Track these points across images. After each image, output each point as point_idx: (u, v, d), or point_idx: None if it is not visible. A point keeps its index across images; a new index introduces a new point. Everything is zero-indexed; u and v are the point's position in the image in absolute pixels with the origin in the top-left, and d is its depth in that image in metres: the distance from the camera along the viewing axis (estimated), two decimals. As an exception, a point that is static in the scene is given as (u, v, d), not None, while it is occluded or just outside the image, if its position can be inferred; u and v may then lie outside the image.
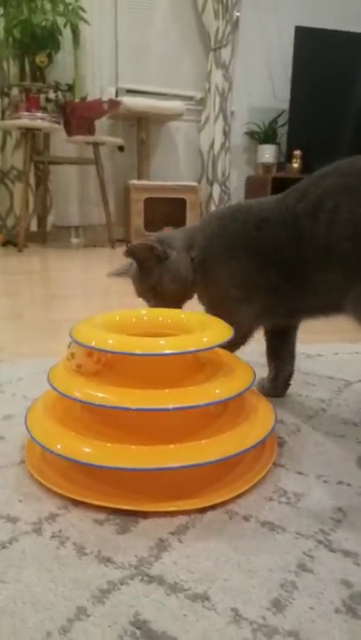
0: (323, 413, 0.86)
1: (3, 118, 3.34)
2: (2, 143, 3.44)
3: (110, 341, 0.63)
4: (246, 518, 0.57)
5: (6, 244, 3.44)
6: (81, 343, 0.63)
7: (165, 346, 0.63)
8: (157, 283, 0.84)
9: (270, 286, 0.77)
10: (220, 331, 0.68)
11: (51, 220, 3.59)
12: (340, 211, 0.69)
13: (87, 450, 0.59)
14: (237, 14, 3.76)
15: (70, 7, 3.27)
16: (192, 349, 0.65)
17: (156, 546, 0.52)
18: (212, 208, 3.85)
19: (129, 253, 0.83)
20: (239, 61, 3.86)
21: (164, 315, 0.75)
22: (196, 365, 0.72)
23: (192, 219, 3.45)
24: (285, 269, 0.75)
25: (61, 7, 3.23)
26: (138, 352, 0.62)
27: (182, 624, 0.43)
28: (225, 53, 3.75)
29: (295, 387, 0.96)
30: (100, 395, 0.61)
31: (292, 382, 0.93)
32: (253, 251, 0.77)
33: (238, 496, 0.61)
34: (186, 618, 0.43)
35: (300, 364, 1.09)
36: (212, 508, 0.59)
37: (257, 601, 0.46)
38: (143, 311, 0.76)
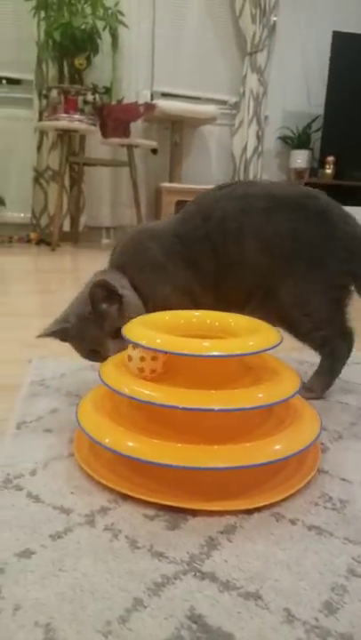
0: (364, 421, 0.85)
1: (40, 119, 3.40)
2: (38, 143, 3.50)
3: (158, 340, 0.65)
4: (293, 522, 0.58)
5: (39, 242, 3.50)
6: (137, 343, 0.65)
7: (213, 348, 0.64)
8: (119, 323, 0.79)
9: (201, 287, 0.90)
10: (268, 335, 0.69)
11: (83, 220, 3.64)
12: (245, 230, 0.86)
13: (134, 444, 0.60)
14: (275, 19, 3.76)
15: (110, 11, 3.31)
16: (239, 352, 0.66)
17: (206, 543, 0.53)
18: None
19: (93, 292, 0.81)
20: (275, 66, 3.85)
21: (213, 317, 0.76)
22: (242, 369, 0.73)
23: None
24: (207, 276, 0.88)
25: (101, 11, 3.27)
26: (186, 352, 0.64)
27: (237, 621, 0.43)
28: (261, 58, 3.75)
29: (335, 394, 0.96)
30: (148, 392, 0.62)
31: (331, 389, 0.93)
32: (180, 263, 0.89)
33: (284, 500, 0.61)
34: (240, 615, 0.44)
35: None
36: (258, 510, 0.59)
37: (308, 602, 0.46)
38: (194, 313, 0.77)
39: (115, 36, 3.42)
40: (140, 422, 0.66)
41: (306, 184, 3.63)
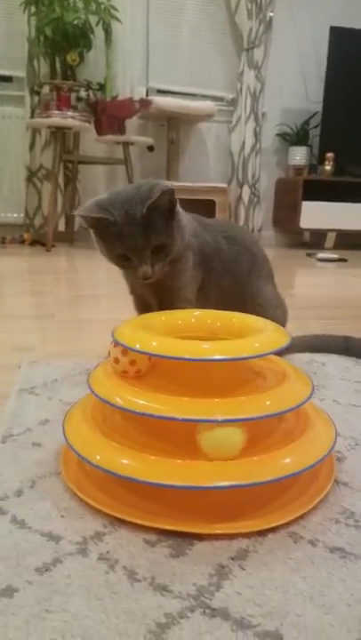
0: (380, 426, 0.79)
1: (32, 117, 3.33)
2: (31, 142, 3.43)
3: (154, 344, 0.58)
4: (313, 543, 0.51)
5: (33, 243, 3.43)
6: (126, 346, 0.58)
7: (214, 351, 0.57)
8: (165, 236, 0.77)
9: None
10: (275, 336, 0.62)
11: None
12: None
13: (128, 462, 0.54)
14: (271, 14, 3.70)
15: (102, 6, 3.24)
16: (245, 355, 0.59)
17: (216, 573, 0.46)
18: (242, 210, 3.79)
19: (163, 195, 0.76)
20: (272, 62, 3.79)
21: (213, 317, 0.69)
22: (247, 373, 0.66)
23: (221, 220, 3.41)
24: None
25: (94, 6, 3.20)
26: (187, 357, 0.57)
27: (255, 670, 0.37)
28: (258, 54, 3.69)
29: (347, 396, 0.90)
30: (143, 402, 0.56)
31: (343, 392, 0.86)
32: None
33: (300, 517, 0.55)
34: (259, 663, 0.38)
35: (350, 372, 1.02)
36: (273, 530, 0.53)
37: (337, 644, 0.40)
38: (194, 312, 0.70)
39: (108, 32, 3.35)
40: (134, 436, 0.59)
41: (305, 181, 3.58)
